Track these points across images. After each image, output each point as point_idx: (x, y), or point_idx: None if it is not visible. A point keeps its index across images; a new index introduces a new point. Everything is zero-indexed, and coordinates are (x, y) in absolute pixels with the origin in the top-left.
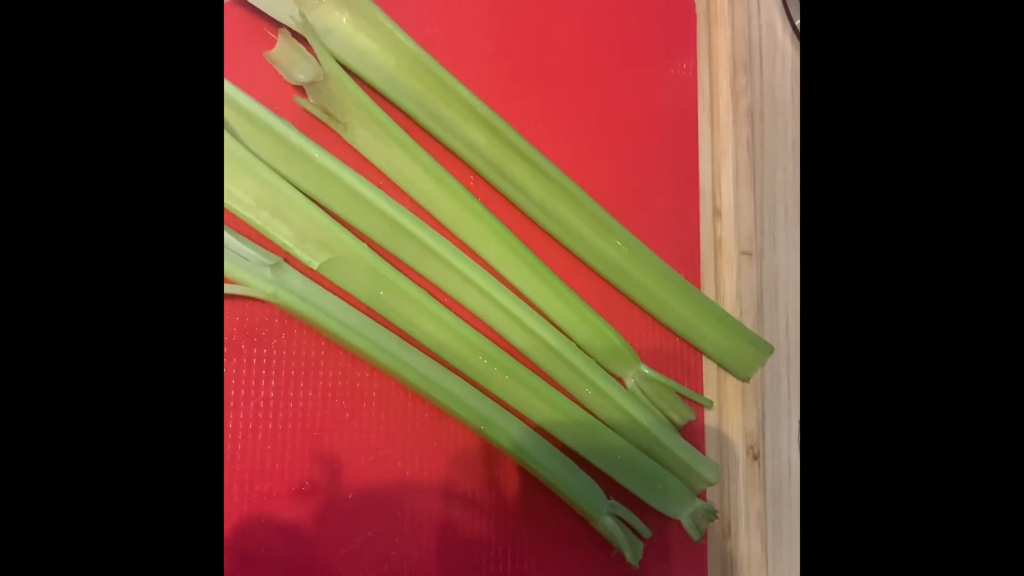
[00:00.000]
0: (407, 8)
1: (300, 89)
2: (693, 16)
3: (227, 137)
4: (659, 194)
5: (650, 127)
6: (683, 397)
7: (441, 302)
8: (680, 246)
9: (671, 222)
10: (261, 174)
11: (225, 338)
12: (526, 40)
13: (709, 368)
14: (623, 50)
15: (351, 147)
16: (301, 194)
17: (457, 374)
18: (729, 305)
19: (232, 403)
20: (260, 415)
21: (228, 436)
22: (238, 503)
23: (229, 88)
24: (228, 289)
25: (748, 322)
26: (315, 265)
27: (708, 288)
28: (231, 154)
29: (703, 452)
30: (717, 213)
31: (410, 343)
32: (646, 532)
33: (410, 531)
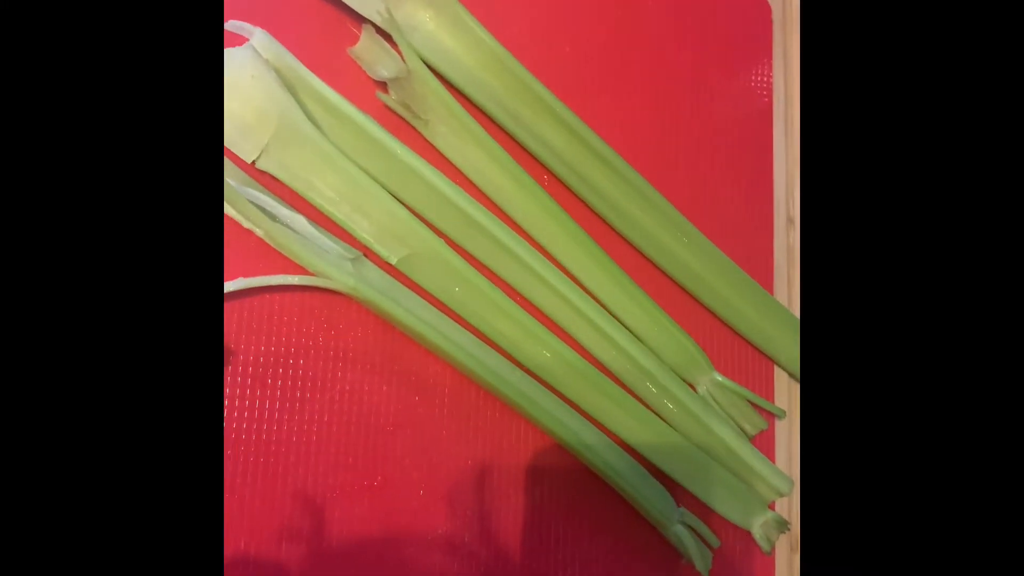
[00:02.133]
0: (489, 7)
1: (382, 85)
2: (769, 21)
3: (312, 131)
4: (733, 201)
5: (725, 133)
6: (755, 406)
7: (515, 301)
8: (753, 254)
9: (745, 229)
10: (344, 168)
11: (301, 330)
12: (604, 43)
13: (780, 378)
14: (700, 55)
15: (429, 144)
16: (382, 189)
17: (529, 374)
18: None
19: (309, 395)
20: (335, 407)
21: (304, 428)
22: (312, 496)
23: (314, 81)
24: (310, 281)
25: None
26: (393, 260)
27: (781, 296)
28: (315, 148)
29: (773, 462)
30: (791, 221)
31: (483, 341)
32: (715, 542)
33: (479, 529)
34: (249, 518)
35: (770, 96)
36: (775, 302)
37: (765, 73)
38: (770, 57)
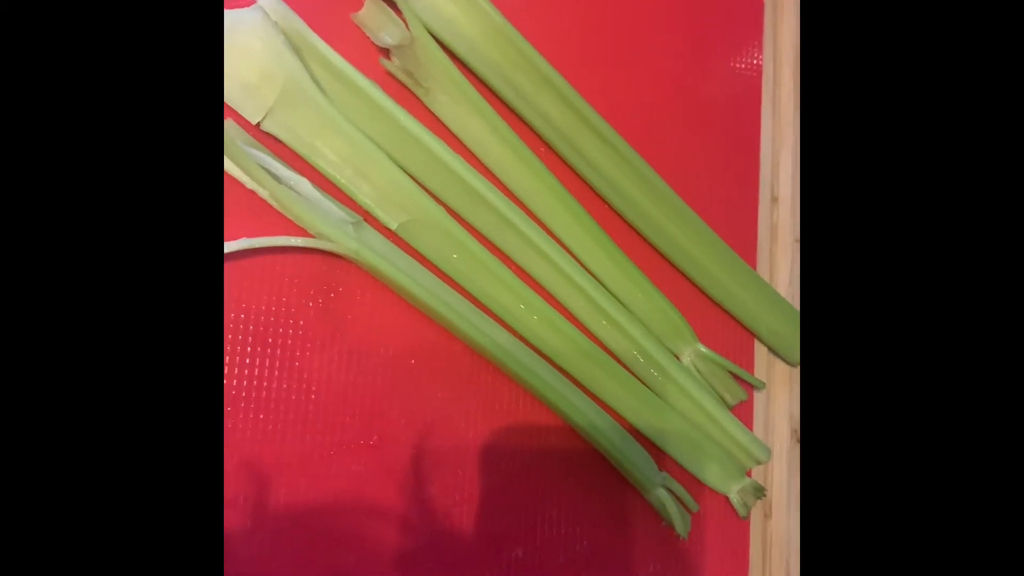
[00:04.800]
0: None
1: (385, 52)
2: (761, 6)
3: (317, 94)
4: (720, 179)
5: (715, 113)
6: (736, 377)
7: (509, 268)
8: (738, 231)
9: (730, 207)
10: (347, 133)
11: (301, 291)
12: (605, 19)
13: (760, 351)
14: (695, 37)
15: (429, 111)
16: (384, 155)
17: (521, 340)
18: (783, 290)
19: (308, 355)
20: (333, 368)
21: (303, 387)
22: (309, 453)
23: (320, 45)
24: (311, 243)
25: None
26: (393, 226)
27: (763, 273)
28: (320, 111)
29: (751, 431)
30: (775, 200)
31: (478, 306)
32: (694, 506)
33: (470, 489)
34: (248, 474)
35: (759, 79)
36: (758, 278)
37: (756, 57)
38: (760, 42)
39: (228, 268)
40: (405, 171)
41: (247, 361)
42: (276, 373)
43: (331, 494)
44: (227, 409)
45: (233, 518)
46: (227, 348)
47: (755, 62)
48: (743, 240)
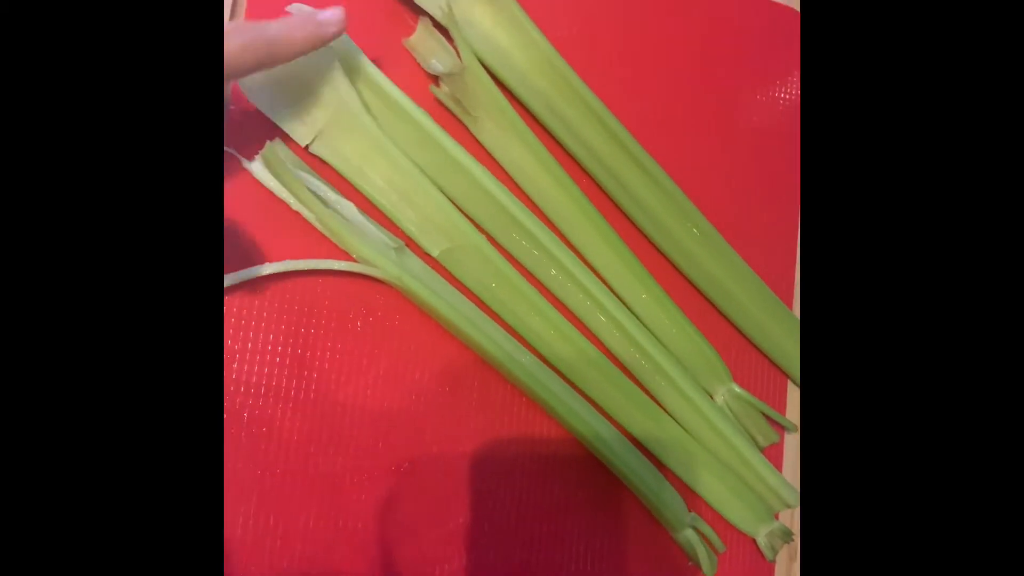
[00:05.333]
0: (542, 7)
1: (434, 78)
2: (798, 34)
3: (367, 119)
4: (760, 210)
5: (755, 142)
6: (768, 418)
7: (548, 300)
8: (777, 265)
9: (770, 239)
10: (395, 158)
11: (340, 314)
12: (647, 49)
13: (792, 393)
14: (735, 67)
15: (475, 139)
16: (430, 182)
17: (556, 373)
18: None
19: (344, 378)
20: (368, 392)
21: (338, 410)
22: (340, 477)
23: (372, 70)
24: (354, 268)
25: None
26: (435, 253)
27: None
28: (369, 136)
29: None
30: None
31: (515, 337)
32: (722, 547)
33: (500, 520)
34: (289, 492)
35: (798, 105)
36: (794, 318)
37: (794, 81)
38: (797, 65)
39: (270, 287)
40: (449, 199)
41: (284, 384)
42: (312, 396)
43: (359, 519)
44: (263, 429)
45: (266, 541)
46: (264, 369)
47: (793, 87)
48: (782, 274)
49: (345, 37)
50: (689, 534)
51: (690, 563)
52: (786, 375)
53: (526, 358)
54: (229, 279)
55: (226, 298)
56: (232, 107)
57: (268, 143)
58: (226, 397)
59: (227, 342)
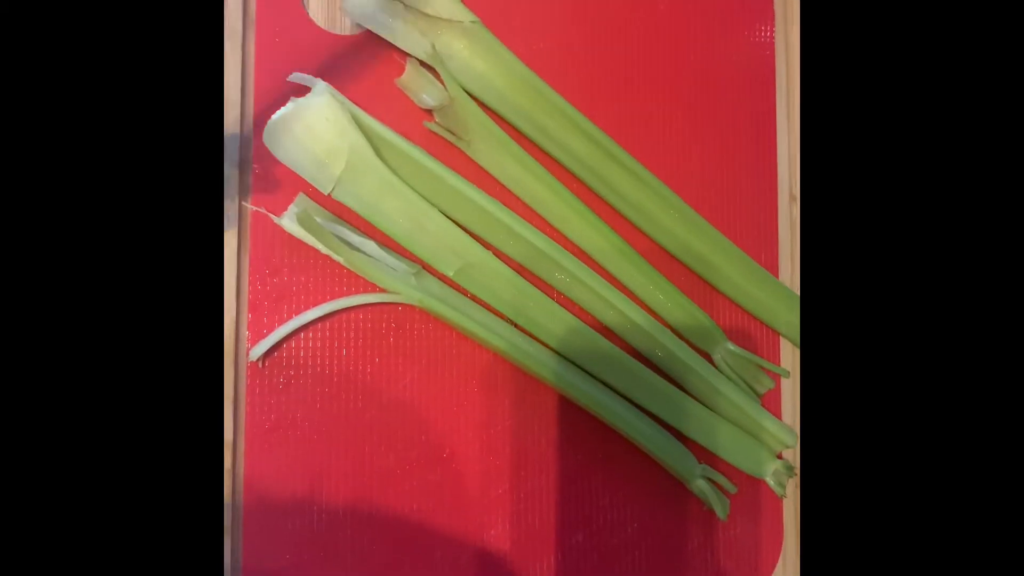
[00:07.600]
0: (514, 27)
1: (428, 113)
2: (771, 9)
3: (376, 161)
4: (739, 180)
5: (731, 118)
6: (762, 368)
7: (552, 297)
8: (759, 230)
9: (750, 206)
10: (404, 193)
11: (376, 332)
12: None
13: (784, 343)
14: (706, 58)
15: (472, 161)
16: (436, 210)
17: (569, 361)
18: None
19: (383, 384)
20: (405, 393)
21: (378, 411)
22: (393, 467)
23: (371, 122)
24: (382, 298)
25: None
26: (450, 273)
27: (785, 270)
28: (379, 177)
29: (780, 418)
30: (793, 199)
31: (528, 335)
32: (732, 488)
33: (534, 487)
34: (328, 503)
35: (773, 82)
36: (776, 282)
37: (768, 66)
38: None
39: (316, 324)
40: (455, 222)
41: (340, 394)
42: (360, 405)
43: (403, 501)
44: (313, 437)
45: (334, 524)
46: (322, 389)
47: (767, 65)
48: (765, 239)
49: (343, 99)
50: (701, 484)
51: (705, 508)
52: (774, 331)
53: (539, 352)
54: (283, 328)
55: (285, 336)
56: (256, 168)
57: (297, 199)
58: (286, 408)
59: (288, 371)
